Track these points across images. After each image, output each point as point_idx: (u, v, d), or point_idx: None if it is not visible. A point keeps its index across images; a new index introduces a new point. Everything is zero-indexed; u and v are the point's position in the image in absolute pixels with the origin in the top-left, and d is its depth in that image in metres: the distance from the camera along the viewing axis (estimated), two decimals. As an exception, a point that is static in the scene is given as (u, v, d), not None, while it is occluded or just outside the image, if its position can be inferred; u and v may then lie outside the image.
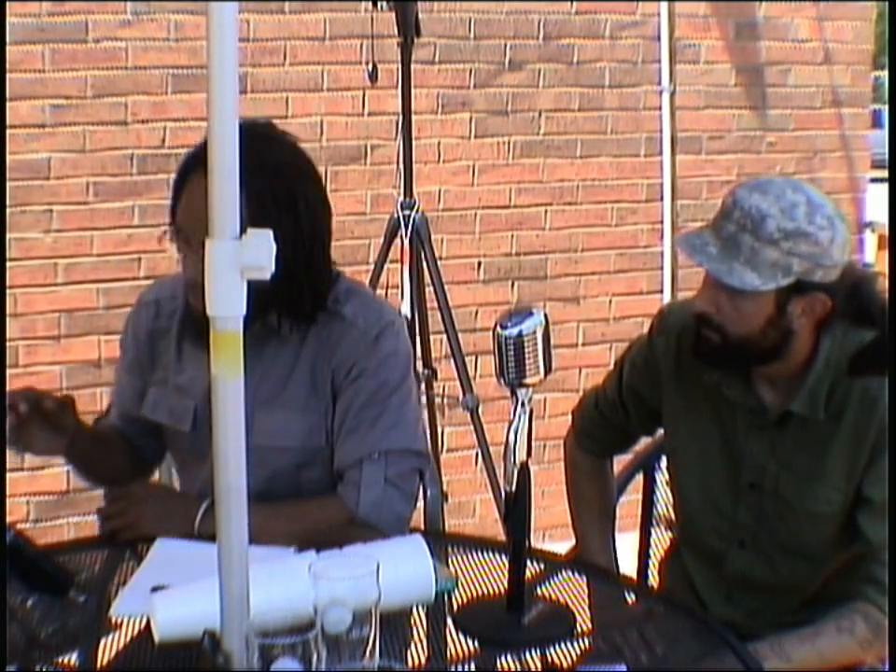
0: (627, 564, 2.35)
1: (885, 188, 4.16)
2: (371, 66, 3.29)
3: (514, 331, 1.61)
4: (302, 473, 2.06)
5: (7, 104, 3.55)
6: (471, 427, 3.49)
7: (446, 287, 3.46)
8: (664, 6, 4.23)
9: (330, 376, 2.04)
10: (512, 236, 4.20)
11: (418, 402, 2.16)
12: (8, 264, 3.62)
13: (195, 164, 1.92)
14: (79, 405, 2.04)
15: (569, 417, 2.37)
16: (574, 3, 4.16)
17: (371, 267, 3.48)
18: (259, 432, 1.97)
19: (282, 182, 1.93)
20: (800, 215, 1.82)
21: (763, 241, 1.81)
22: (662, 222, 4.35)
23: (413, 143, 3.40)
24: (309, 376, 2.04)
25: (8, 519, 1.76)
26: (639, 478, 2.43)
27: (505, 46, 4.10)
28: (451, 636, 1.68)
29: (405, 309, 3.43)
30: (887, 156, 3.70)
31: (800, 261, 1.82)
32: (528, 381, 1.63)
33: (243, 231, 1.77)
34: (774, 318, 1.88)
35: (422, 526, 2.32)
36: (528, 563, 1.73)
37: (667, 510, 2.36)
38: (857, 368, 1.90)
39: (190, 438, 2.10)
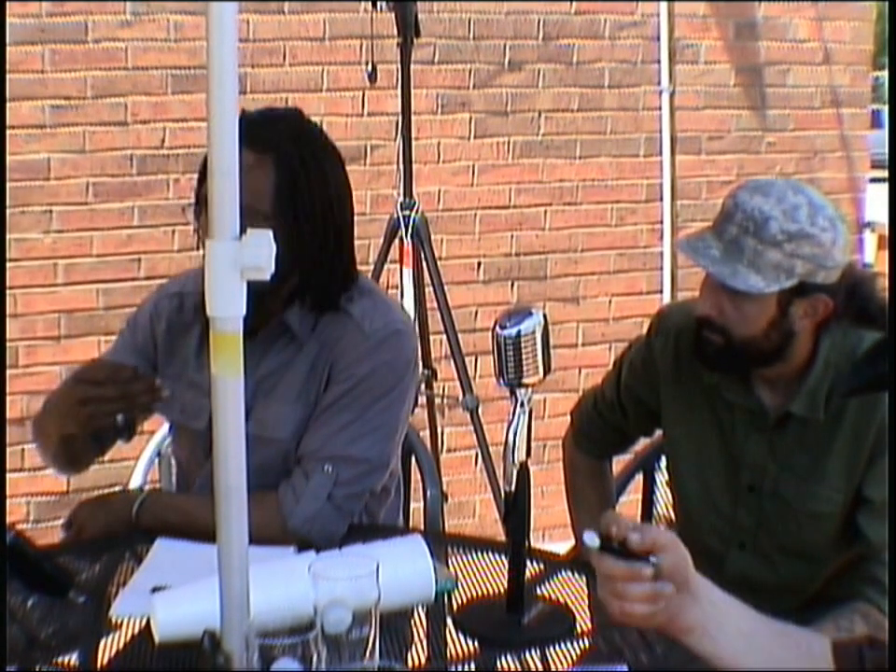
0: (627, 564, 2.35)
1: (884, 188, 4.16)
2: (370, 67, 3.30)
3: (513, 331, 1.61)
4: (290, 466, 2.03)
5: (7, 104, 3.55)
6: (471, 427, 3.49)
7: (446, 287, 3.46)
8: (663, 6, 4.23)
9: (328, 372, 2.03)
10: (512, 236, 4.20)
11: (408, 413, 2.11)
12: (8, 264, 3.62)
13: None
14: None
15: (569, 417, 2.37)
16: (574, 3, 4.16)
17: (371, 267, 3.49)
18: (253, 421, 1.97)
19: (310, 151, 1.98)
20: (802, 217, 1.82)
21: (767, 243, 1.81)
22: (661, 222, 4.35)
23: (413, 143, 3.40)
24: (307, 370, 2.03)
25: (8, 519, 1.76)
26: (639, 478, 2.43)
27: (505, 46, 4.10)
28: (451, 636, 1.68)
29: (406, 309, 3.44)
30: (886, 156, 3.70)
31: (803, 263, 1.82)
32: (527, 381, 1.63)
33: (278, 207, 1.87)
34: (776, 320, 1.88)
35: (422, 526, 2.32)
36: (528, 563, 1.73)
37: (667, 510, 2.36)
38: (854, 386, 1.89)
39: (203, 436, 2.09)
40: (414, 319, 3.44)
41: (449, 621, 1.72)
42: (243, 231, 1.79)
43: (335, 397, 2.01)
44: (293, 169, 1.94)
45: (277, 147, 1.94)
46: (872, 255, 4.87)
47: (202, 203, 1.99)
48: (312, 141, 2.02)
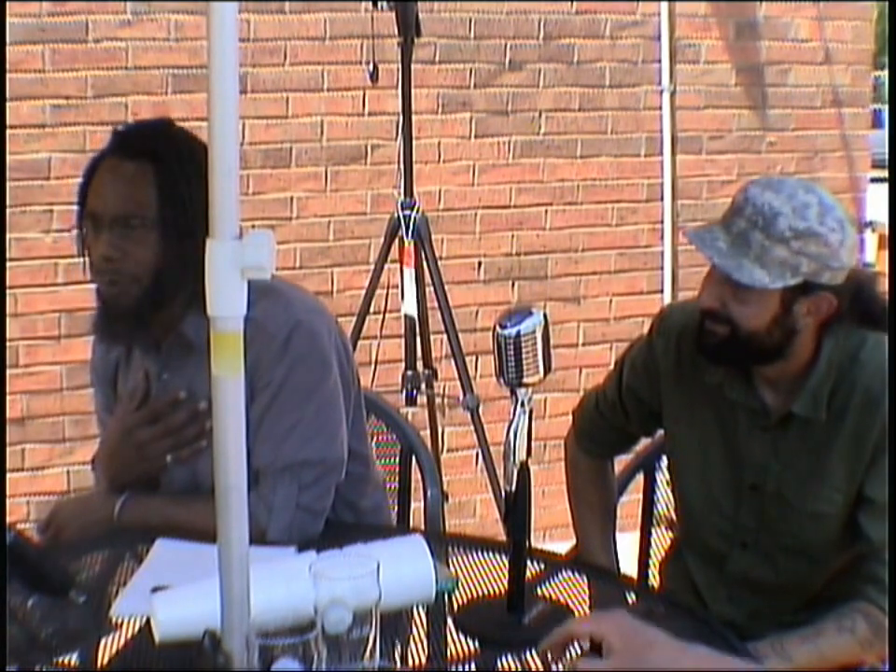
0: (628, 564, 2.35)
1: (885, 187, 4.16)
2: (371, 66, 3.30)
3: (513, 331, 1.61)
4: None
5: (7, 104, 3.56)
6: (471, 427, 3.48)
7: (447, 286, 3.46)
8: (664, 5, 4.23)
9: (249, 382, 2.00)
10: (513, 236, 4.20)
11: (344, 399, 2.06)
12: (8, 264, 3.62)
13: (107, 152, 2.01)
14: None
15: (570, 417, 2.36)
16: (574, 3, 4.16)
17: (372, 267, 3.49)
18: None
19: (186, 153, 1.97)
20: (812, 215, 1.82)
21: (774, 239, 1.81)
22: (662, 222, 4.35)
23: (414, 143, 3.40)
24: None
25: (8, 519, 1.76)
26: (640, 478, 2.43)
27: (505, 46, 4.10)
28: (451, 636, 1.68)
29: (407, 309, 3.44)
30: (887, 156, 3.70)
31: (809, 262, 1.82)
32: (528, 381, 1.63)
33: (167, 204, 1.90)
34: (779, 317, 1.87)
35: (422, 526, 2.32)
36: (528, 563, 1.73)
37: (668, 510, 2.36)
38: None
39: None
40: (415, 319, 3.45)
41: (449, 621, 1.72)
42: (127, 240, 1.86)
43: (265, 406, 1.97)
44: (173, 173, 1.94)
45: (154, 154, 1.95)
46: (872, 254, 4.88)
47: (86, 224, 2.02)
48: (185, 143, 2.01)
